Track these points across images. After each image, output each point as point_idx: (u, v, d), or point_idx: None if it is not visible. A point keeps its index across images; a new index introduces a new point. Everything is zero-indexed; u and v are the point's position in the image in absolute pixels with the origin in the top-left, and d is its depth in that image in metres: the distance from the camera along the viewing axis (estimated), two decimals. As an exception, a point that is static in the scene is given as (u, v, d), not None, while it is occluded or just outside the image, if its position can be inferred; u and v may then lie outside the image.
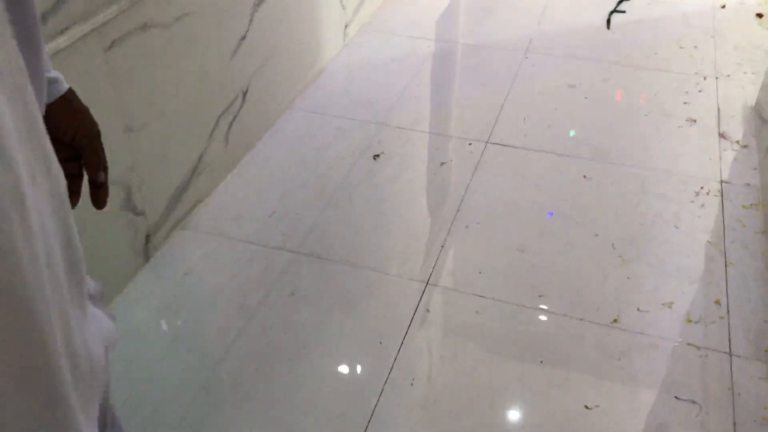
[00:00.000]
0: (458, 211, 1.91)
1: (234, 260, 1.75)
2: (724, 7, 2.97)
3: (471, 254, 1.77)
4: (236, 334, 1.55)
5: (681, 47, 2.68)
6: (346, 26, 2.70)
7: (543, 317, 1.60)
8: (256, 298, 1.64)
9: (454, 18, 2.99)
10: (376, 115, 2.32)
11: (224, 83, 1.94)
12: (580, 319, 1.59)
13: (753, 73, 2.48)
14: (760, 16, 2.88)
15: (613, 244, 1.79)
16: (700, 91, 2.40)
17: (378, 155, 2.12)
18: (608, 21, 2.86)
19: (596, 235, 1.82)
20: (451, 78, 2.58)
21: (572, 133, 2.23)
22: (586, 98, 2.38)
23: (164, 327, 1.58)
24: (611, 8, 2.95)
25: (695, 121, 2.25)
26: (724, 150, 2.12)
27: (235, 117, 2.01)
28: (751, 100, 2.32)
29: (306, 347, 1.53)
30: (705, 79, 2.47)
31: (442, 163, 2.10)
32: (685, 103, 2.34)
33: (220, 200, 1.93)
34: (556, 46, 2.71)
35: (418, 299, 1.64)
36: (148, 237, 1.72)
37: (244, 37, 1.98)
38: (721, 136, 2.18)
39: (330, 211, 1.90)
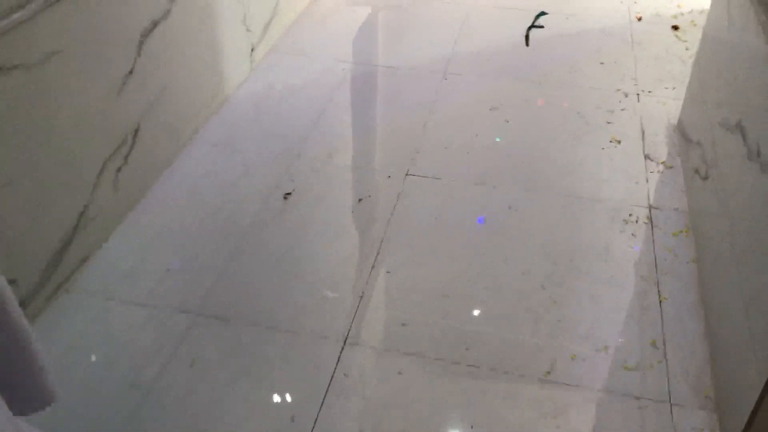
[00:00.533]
0: (378, 254, 1.76)
1: (126, 327, 1.55)
2: (640, 19, 2.93)
3: (392, 304, 1.62)
4: (127, 420, 1.35)
5: (601, 62, 2.61)
6: (252, 50, 2.51)
7: (472, 374, 1.46)
8: (151, 372, 1.44)
9: (371, 38, 2.84)
10: (287, 147, 2.14)
11: (110, 124, 1.73)
12: (511, 374, 1.46)
13: (673, 89, 2.43)
14: (675, 28, 2.85)
15: (542, 284, 1.67)
16: (623, 110, 2.33)
17: (289, 194, 1.94)
18: (527, 37, 2.78)
19: (523, 273, 1.70)
20: (369, 104, 2.43)
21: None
22: (507, 121, 2.27)
23: (41, 416, 1.36)
24: (529, 24, 2.87)
25: (620, 141, 2.17)
26: (651, 172, 2.04)
27: (125, 160, 1.80)
28: (674, 118, 2.26)
29: (207, 430, 1.34)
30: (627, 96, 2.40)
31: (360, 200, 1.94)
32: (608, 122, 2.27)
33: (109, 257, 1.72)
34: (475, 65, 2.60)
35: (336, 363, 1.48)
36: (22, 306, 1.50)
37: (131, 71, 1.78)
38: (647, 157, 2.10)
39: (235, 264, 1.71)
